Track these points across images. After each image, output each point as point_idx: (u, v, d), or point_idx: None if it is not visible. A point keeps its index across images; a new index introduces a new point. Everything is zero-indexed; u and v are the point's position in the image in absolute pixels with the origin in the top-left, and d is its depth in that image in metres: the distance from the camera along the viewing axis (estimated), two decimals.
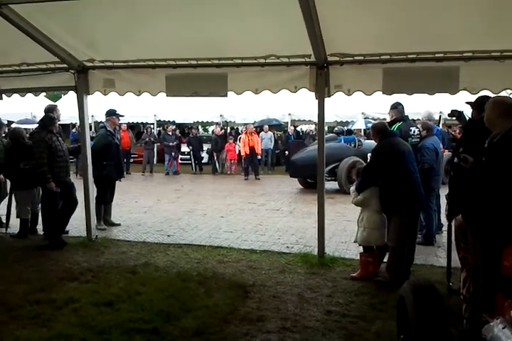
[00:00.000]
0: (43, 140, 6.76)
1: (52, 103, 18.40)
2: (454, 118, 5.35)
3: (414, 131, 6.89)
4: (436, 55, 5.48)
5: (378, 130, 5.63)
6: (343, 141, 13.77)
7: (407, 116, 7.23)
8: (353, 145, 13.60)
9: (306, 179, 13.69)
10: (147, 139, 18.86)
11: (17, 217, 7.49)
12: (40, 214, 7.49)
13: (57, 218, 6.98)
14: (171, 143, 18.41)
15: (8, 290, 5.00)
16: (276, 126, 22.02)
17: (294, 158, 13.54)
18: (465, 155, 4.08)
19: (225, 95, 6.41)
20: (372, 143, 13.91)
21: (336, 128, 14.86)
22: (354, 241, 5.78)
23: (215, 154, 18.87)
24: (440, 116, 7.41)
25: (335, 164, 12.60)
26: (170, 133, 18.99)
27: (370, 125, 19.16)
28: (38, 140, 6.79)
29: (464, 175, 3.97)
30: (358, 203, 5.56)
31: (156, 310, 4.40)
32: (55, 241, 6.87)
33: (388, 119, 7.21)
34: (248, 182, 16.12)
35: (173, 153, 18.51)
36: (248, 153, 17.14)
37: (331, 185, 12.68)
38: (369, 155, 12.63)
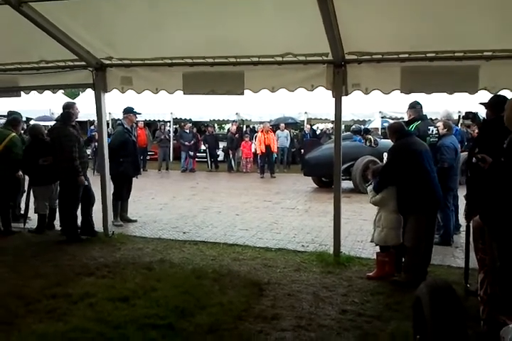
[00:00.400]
0: (72, 134, 6.85)
1: (70, 100, 18.66)
2: (469, 120, 5.31)
3: (432, 131, 6.83)
4: (456, 54, 5.41)
5: (395, 130, 5.60)
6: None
7: (425, 115, 7.16)
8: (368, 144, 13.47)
9: (320, 178, 13.64)
10: (162, 137, 18.98)
11: (35, 212, 7.57)
12: (57, 209, 7.56)
13: (75, 212, 7.06)
14: (187, 143, 18.48)
15: (25, 284, 5.07)
16: (292, 125, 21.97)
17: (308, 156, 13.47)
18: (483, 155, 4.02)
19: (242, 93, 6.41)
20: (388, 142, 13.85)
21: (353, 127, 14.70)
22: (371, 241, 5.74)
23: (230, 152, 18.91)
24: (459, 116, 7.34)
25: (350, 163, 12.45)
26: (187, 131, 19.06)
27: (386, 124, 19.13)
28: (68, 134, 6.87)
29: (482, 175, 3.92)
30: (376, 203, 5.53)
31: (171, 306, 4.42)
32: (73, 236, 6.94)
33: (406, 119, 7.16)
34: (264, 181, 16.12)
35: (190, 152, 18.58)
36: (264, 151, 17.13)
37: (346, 184, 12.57)
38: (385, 154, 12.56)
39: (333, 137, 16.81)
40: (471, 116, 5.27)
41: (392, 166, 5.46)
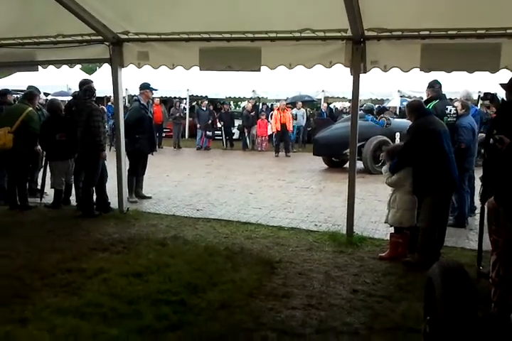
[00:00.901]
0: (98, 109, 6.93)
1: (87, 76, 18.68)
2: (488, 101, 5.19)
3: (450, 110, 6.69)
4: (478, 32, 5.28)
5: (414, 108, 5.50)
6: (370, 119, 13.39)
7: (444, 94, 7.03)
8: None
9: (330, 158, 13.51)
10: (177, 114, 18.97)
11: (51, 187, 7.65)
12: (73, 185, 7.63)
13: (92, 189, 7.14)
14: (204, 124, 18.50)
15: (41, 258, 5.15)
16: (308, 103, 21.78)
17: (318, 136, 13.31)
18: (501, 136, 3.94)
19: (258, 70, 6.34)
20: (401, 121, 13.72)
21: (365, 105, 14.47)
22: (385, 222, 5.71)
23: (246, 130, 18.83)
24: (479, 96, 7.15)
25: (361, 143, 11.85)
26: (204, 109, 19.00)
27: (405, 103, 18.89)
28: (96, 108, 6.96)
29: (499, 156, 3.84)
30: (392, 183, 5.47)
31: (183, 283, 4.47)
32: (88, 211, 7.02)
33: (425, 98, 7.03)
34: (278, 159, 16.08)
35: (208, 132, 18.57)
36: (279, 129, 17.03)
37: (357, 164, 12.51)
38: (397, 134, 12.43)
39: (344, 116, 16.68)
40: (490, 97, 5.14)
41: (410, 146, 5.37)
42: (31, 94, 7.94)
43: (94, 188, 7.17)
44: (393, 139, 12.27)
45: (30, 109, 7.50)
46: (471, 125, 6.65)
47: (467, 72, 5.72)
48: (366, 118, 13.03)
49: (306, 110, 19.88)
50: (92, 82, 7.71)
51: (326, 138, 12.73)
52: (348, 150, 11.82)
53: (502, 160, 3.60)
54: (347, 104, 24.14)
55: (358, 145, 11.83)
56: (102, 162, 7.09)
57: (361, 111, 14.30)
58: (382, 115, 13.79)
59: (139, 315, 3.83)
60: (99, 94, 18.30)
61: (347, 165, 13.01)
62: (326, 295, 4.36)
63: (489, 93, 5.13)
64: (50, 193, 7.86)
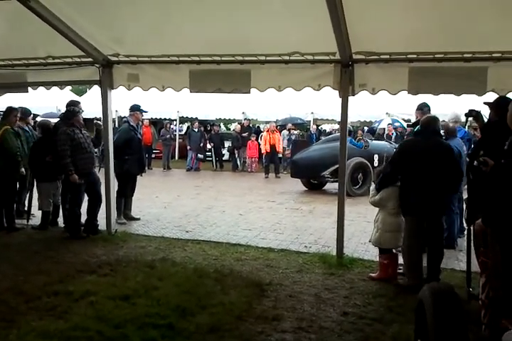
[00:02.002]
0: (64, 132, 6.84)
1: (77, 97, 18.69)
2: (471, 118, 5.20)
3: None
4: (465, 55, 5.37)
5: (421, 124, 5.52)
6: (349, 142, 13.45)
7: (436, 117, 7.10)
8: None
9: (309, 179, 13.36)
10: (167, 136, 19.00)
11: (39, 209, 7.57)
12: (61, 206, 7.56)
13: (78, 210, 7.07)
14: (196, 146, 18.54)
15: (27, 281, 5.07)
16: (299, 125, 21.93)
17: (296, 157, 13.23)
18: (485, 158, 3.97)
19: (248, 92, 6.39)
20: (379, 143, 13.85)
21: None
22: (369, 241, 5.72)
23: (236, 151, 18.87)
24: (467, 118, 7.21)
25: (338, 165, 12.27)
26: (196, 130, 19.03)
27: (397, 124, 19.06)
28: (60, 132, 6.88)
29: (484, 178, 3.86)
30: (375, 203, 5.49)
31: (172, 306, 4.40)
32: (75, 233, 6.94)
33: (413, 120, 7.10)
34: (268, 181, 16.08)
35: (199, 155, 18.60)
36: (269, 151, 17.09)
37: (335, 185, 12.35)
38: (375, 156, 12.48)
39: (322, 138, 16.76)
40: (474, 113, 5.15)
41: (391, 164, 5.40)
42: (6, 110, 7.60)
43: (79, 210, 7.09)
44: (371, 161, 12.44)
45: (6, 127, 7.27)
46: (456, 148, 6.68)
47: (454, 94, 5.80)
48: (351, 141, 12.95)
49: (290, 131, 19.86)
50: (79, 103, 7.72)
51: (304, 160, 12.67)
52: (326, 171, 12.02)
53: (487, 182, 3.63)
54: (336, 126, 24.31)
55: (337, 166, 11.75)
56: (77, 184, 6.90)
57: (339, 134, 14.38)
58: (360, 137, 13.84)
59: (126, 339, 3.77)
60: (88, 115, 18.32)
61: (326, 187, 13.10)
62: (316, 317, 4.32)
63: (474, 110, 5.14)
64: (37, 214, 7.78)
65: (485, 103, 4.96)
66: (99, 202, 7.29)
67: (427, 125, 5.41)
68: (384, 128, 20.03)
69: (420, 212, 5.22)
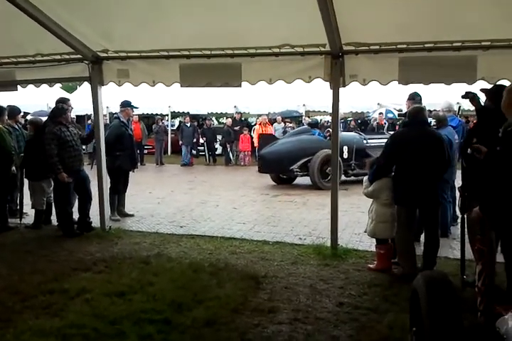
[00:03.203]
0: (51, 131, 6.79)
1: (67, 94, 18.58)
2: (468, 99, 5.19)
3: (430, 122, 6.77)
4: (454, 44, 5.38)
5: (408, 115, 5.50)
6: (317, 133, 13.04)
7: (424, 106, 7.12)
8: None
9: (278, 174, 12.93)
10: (159, 131, 18.99)
11: (32, 207, 7.55)
12: (53, 204, 7.53)
13: (69, 208, 7.05)
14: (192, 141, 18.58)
15: (22, 280, 5.05)
16: (294, 118, 21.90)
17: (263, 152, 12.63)
18: (478, 146, 3.99)
19: (239, 85, 6.38)
20: (347, 134, 13.68)
21: (309, 120, 14.27)
22: (364, 232, 5.75)
23: (228, 145, 18.84)
24: (459, 107, 7.20)
25: (307, 158, 11.86)
26: (188, 125, 18.97)
27: (390, 115, 19.09)
28: (47, 132, 6.83)
29: (478, 165, 3.88)
30: (368, 195, 5.51)
31: (167, 301, 4.40)
32: (68, 232, 6.92)
33: (404, 110, 7.10)
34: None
35: (192, 150, 18.55)
36: None
37: (307, 180, 12.10)
38: (345, 148, 12.25)
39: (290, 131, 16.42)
40: (471, 95, 5.14)
41: (385, 155, 5.40)
42: None
43: (71, 208, 7.07)
44: (341, 153, 11.96)
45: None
46: (447, 136, 6.70)
47: (445, 84, 5.81)
48: (313, 132, 12.78)
49: (285, 124, 19.81)
50: (68, 100, 7.66)
51: (272, 154, 12.19)
52: (295, 165, 11.80)
53: (482, 170, 3.64)
54: (328, 118, 24.29)
55: (305, 160, 11.90)
56: (66, 183, 6.87)
57: (306, 126, 14.24)
58: (328, 129, 13.46)
59: (122, 335, 3.76)
60: (80, 112, 18.26)
61: (296, 181, 12.86)
62: (312, 308, 4.33)
63: (470, 92, 5.14)
64: (30, 213, 7.74)
65: (481, 90, 4.96)
66: (90, 199, 7.24)
67: (415, 115, 5.41)
68: (376, 118, 20.10)
69: (412, 202, 5.25)
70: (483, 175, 3.49)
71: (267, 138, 13.83)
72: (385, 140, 12.21)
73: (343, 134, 13.33)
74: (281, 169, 12.34)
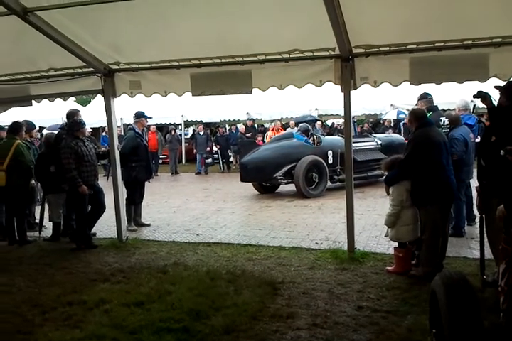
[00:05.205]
0: (68, 146, 6.85)
1: (81, 107, 18.78)
2: (479, 99, 5.14)
3: (444, 121, 6.72)
4: (465, 42, 5.33)
5: (418, 116, 5.45)
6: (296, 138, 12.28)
7: (436, 106, 7.07)
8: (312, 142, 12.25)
9: (260, 183, 12.24)
10: (173, 141, 19.14)
11: (50, 220, 7.62)
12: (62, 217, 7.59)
13: (85, 221, 7.08)
14: (201, 151, 18.50)
15: (41, 292, 5.11)
16: (312, 122, 21.87)
17: (245, 160, 11.80)
18: (511, 148, 3.90)
19: (250, 92, 6.41)
20: (332, 139, 13.22)
21: (300, 125, 13.09)
22: (385, 236, 5.69)
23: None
24: (474, 106, 7.11)
25: (291, 165, 11.30)
26: (201, 133, 19.03)
27: (402, 116, 18.94)
28: (64, 146, 6.89)
29: (506, 165, 3.82)
30: (393, 216, 5.39)
31: (186, 309, 4.41)
32: (87, 244, 6.96)
33: None
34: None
35: (206, 160, 18.60)
36: None
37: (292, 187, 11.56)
38: (329, 152, 11.80)
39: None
40: (483, 94, 5.09)
41: (412, 157, 5.30)
42: (16, 125, 7.73)
43: (85, 220, 7.09)
44: (325, 158, 11.78)
45: (18, 141, 7.41)
46: (463, 136, 6.65)
47: (457, 82, 5.74)
48: (300, 138, 12.15)
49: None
50: (78, 111, 7.75)
51: (254, 162, 11.44)
52: (279, 173, 11.28)
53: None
54: (342, 121, 24.22)
55: (290, 166, 11.40)
56: (84, 196, 6.90)
57: (289, 131, 13.91)
58: (312, 133, 12.80)
59: None
60: (94, 124, 18.40)
61: (280, 189, 12.37)
62: (330, 313, 4.30)
63: (482, 91, 5.10)
64: (48, 226, 7.82)
65: (495, 87, 4.90)
66: (103, 210, 7.27)
67: (424, 116, 5.48)
68: (390, 120, 20.00)
69: (448, 200, 5.32)
70: None
71: (248, 145, 12.94)
72: (370, 143, 12.22)
73: (327, 138, 13.04)
74: (264, 177, 11.66)
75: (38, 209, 8.07)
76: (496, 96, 5.01)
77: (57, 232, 7.57)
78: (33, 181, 7.56)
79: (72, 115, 7.48)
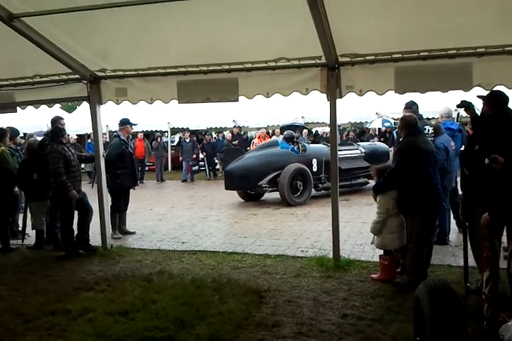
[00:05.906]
0: (56, 150, 6.80)
1: (67, 114, 18.65)
2: (463, 108, 5.21)
3: (428, 130, 6.80)
4: (449, 52, 5.41)
5: (408, 124, 5.41)
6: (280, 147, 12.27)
7: (421, 115, 7.14)
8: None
9: (245, 191, 12.21)
10: (158, 148, 19.01)
11: (32, 228, 7.53)
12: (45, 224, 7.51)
13: (71, 228, 7.00)
14: (187, 159, 18.47)
15: (24, 301, 5.04)
16: (299, 129, 21.95)
17: (230, 167, 11.68)
18: (496, 156, 3.94)
19: (237, 100, 6.41)
20: (316, 147, 13.28)
21: (285, 133, 13.04)
22: (371, 243, 5.72)
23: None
24: (458, 114, 7.19)
25: (276, 172, 11.30)
26: (187, 140, 18.99)
27: (387, 124, 19.07)
28: (52, 151, 6.83)
29: (495, 175, 3.86)
30: (379, 224, 5.42)
31: (170, 318, 4.37)
32: (71, 251, 6.89)
33: None
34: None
35: (192, 167, 18.54)
36: None
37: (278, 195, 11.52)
38: (314, 160, 11.76)
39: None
40: (466, 104, 5.16)
41: (402, 166, 5.30)
42: (0, 132, 7.66)
43: (72, 227, 7.00)
44: (310, 166, 11.78)
45: (2, 148, 7.35)
46: (444, 144, 6.71)
47: (441, 91, 5.81)
48: (286, 146, 12.14)
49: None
50: (62, 118, 7.71)
51: (238, 170, 11.38)
52: (263, 181, 11.23)
53: (500, 179, 3.65)
54: (328, 129, 24.35)
55: (274, 174, 11.39)
56: (72, 201, 6.86)
57: (274, 139, 13.88)
58: (297, 141, 12.79)
59: None
60: (80, 131, 18.25)
61: (265, 197, 12.30)
62: (316, 321, 4.30)
63: (465, 101, 5.17)
64: (32, 234, 7.73)
65: (478, 96, 4.96)
66: (90, 213, 7.21)
67: (414, 125, 5.45)
68: (376, 129, 20.12)
69: (435, 209, 5.31)
70: (501, 183, 3.48)
71: (232, 153, 12.89)
72: (354, 151, 12.20)
73: (312, 146, 13.04)
74: (248, 185, 11.64)
75: (21, 217, 7.98)
76: (479, 106, 5.09)
77: (41, 240, 7.47)
78: (16, 188, 7.47)
79: (56, 122, 7.44)
